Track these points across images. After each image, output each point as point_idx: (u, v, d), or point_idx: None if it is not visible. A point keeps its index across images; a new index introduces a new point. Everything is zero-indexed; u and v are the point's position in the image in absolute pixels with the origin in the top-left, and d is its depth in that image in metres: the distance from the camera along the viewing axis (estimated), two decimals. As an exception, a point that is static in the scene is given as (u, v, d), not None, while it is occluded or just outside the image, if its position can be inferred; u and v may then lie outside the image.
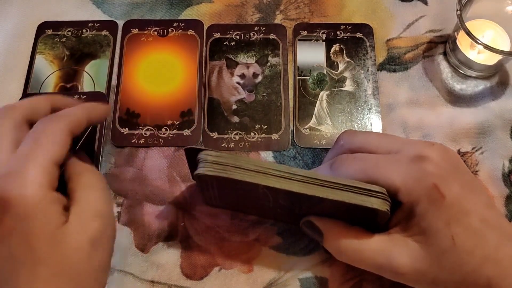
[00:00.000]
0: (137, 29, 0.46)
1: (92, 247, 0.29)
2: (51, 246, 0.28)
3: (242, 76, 0.44)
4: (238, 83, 0.44)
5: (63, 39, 0.46)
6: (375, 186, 0.30)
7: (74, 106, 0.34)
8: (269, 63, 0.45)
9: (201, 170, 0.30)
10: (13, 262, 0.27)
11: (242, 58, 0.45)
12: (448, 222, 0.29)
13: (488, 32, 0.43)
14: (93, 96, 0.43)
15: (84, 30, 0.46)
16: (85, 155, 0.35)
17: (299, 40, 0.46)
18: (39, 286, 0.27)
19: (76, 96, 0.43)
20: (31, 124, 0.32)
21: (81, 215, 0.30)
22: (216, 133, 0.42)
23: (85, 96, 0.43)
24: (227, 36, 0.46)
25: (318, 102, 0.43)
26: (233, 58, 0.45)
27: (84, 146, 0.41)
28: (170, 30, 0.46)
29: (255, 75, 0.44)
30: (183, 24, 0.46)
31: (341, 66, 0.45)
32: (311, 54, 0.45)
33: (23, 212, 0.28)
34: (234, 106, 0.43)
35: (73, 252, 0.28)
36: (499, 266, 0.28)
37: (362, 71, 0.44)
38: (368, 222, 0.32)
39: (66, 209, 0.30)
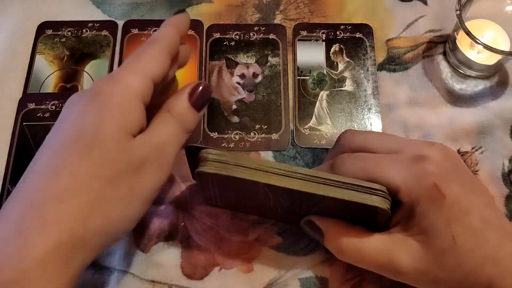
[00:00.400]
0: (137, 29, 0.46)
1: (137, 167, 0.29)
2: (115, 141, 0.29)
3: (242, 76, 0.44)
4: (238, 83, 0.44)
5: (63, 39, 0.46)
6: (375, 184, 0.30)
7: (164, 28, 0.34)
8: (269, 63, 0.45)
9: (201, 168, 0.30)
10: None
11: (242, 58, 0.45)
12: (449, 222, 0.29)
13: (488, 32, 0.43)
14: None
15: (84, 30, 0.46)
16: (199, 96, 0.34)
17: (299, 40, 0.46)
18: (80, 160, 0.28)
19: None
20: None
21: (145, 138, 0.30)
22: (216, 133, 0.42)
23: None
24: (227, 36, 0.46)
25: (318, 102, 0.43)
26: (233, 58, 0.45)
27: None
28: (170, 30, 0.46)
29: (255, 75, 0.44)
30: (183, 24, 0.46)
31: (341, 66, 0.45)
32: (311, 54, 0.45)
33: (109, 104, 0.29)
34: (234, 106, 0.43)
35: (121, 158, 0.29)
36: (500, 265, 0.29)
37: (362, 71, 0.44)
38: (369, 221, 0.32)
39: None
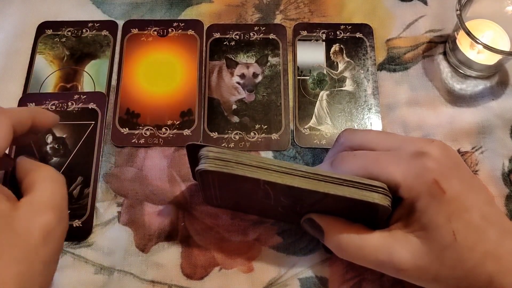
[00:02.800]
0: (137, 29, 0.46)
1: (42, 238, 0.28)
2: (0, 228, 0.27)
3: (242, 76, 0.44)
4: (238, 83, 0.44)
5: (63, 39, 0.46)
6: (376, 182, 0.30)
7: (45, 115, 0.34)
8: (269, 63, 0.45)
9: (202, 166, 0.30)
10: None
11: (242, 58, 0.45)
12: (449, 218, 0.29)
13: (488, 32, 0.43)
14: (93, 97, 0.43)
15: (84, 30, 0.46)
16: (26, 157, 0.35)
17: (299, 40, 0.46)
18: None
19: (76, 96, 0.43)
20: None
21: (33, 204, 0.29)
22: (216, 133, 0.42)
23: (85, 96, 0.43)
24: (227, 36, 0.46)
25: (318, 102, 0.43)
26: (233, 58, 0.45)
27: (83, 146, 0.41)
28: (170, 30, 0.46)
29: (255, 75, 0.44)
30: (183, 24, 0.46)
31: (341, 66, 0.45)
32: (311, 54, 0.45)
33: None
34: (234, 106, 0.43)
35: (20, 238, 0.28)
36: (500, 262, 0.29)
37: (362, 71, 0.44)
38: (369, 219, 0.32)
39: (14, 200, 0.30)
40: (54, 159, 0.40)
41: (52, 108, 0.42)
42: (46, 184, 0.31)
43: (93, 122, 0.42)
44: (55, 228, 0.30)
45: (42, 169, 0.32)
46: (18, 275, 0.27)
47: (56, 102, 0.43)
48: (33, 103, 0.43)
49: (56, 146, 0.41)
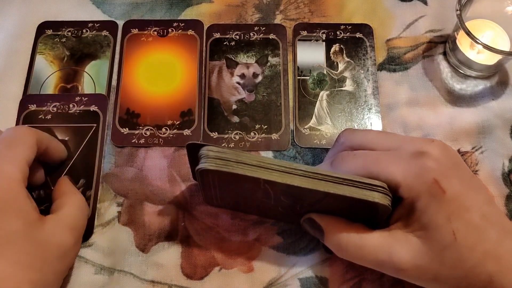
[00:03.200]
0: (137, 29, 0.46)
1: (58, 254, 0.32)
2: (25, 233, 0.30)
3: (242, 76, 0.44)
4: (238, 83, 0.44)
5: (63, 39, 0.46)
6: (376, 181, 0.30)
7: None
8: (269, 63, 0.45)
9: (202, 165, 0.30)
10: None
11: (242, 58, 0.45)
12: (449, 218, 0.29)
13: (488, 32, 0.43)
14: (95, 99, 0.43)
15: (84, 30, 0.46)
16: (69, 179, 0.39)
17: (299, 40, 0.46)
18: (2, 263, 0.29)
19: (78, 98, 0.43)
20: None
21: (58, 223, 0.33)
22: (216, 133, 0.42)
23: (86, 98, 0.43)
24: (227, 36, 0.46)
25: (318, 102, 0.43)
26: (233, 58, 0.45)
27: (85, 149, 0.41)
28: (170, 30, 0.46)
29: (255, 75, 0.44)
30: (183, 24, 0.46)
31: (341, 66, 0.45)
32: (311, 54, 0.45)
33: (2, 204, 0.30)
34: (234, 106, 0.43)
35: (41, 249, 0.30)
36: (500, 262, 0.29)
37: (362, 71, 0.44)
38: (369, 218, 0.32)
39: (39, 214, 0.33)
40: None
41: (53, 110, 0.42)
42: (73, 210, 0.35)
43: (95, 125, 0.42)
44: (71, 248, 0.33)
45: (75, 196, 0.36)
46: (32, 282, 0.29)
47: (57, 104, 0.43)
48: (34, 105, 0.43)
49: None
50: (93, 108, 0.43)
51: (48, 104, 0.43)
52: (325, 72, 0.44)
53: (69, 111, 0.42)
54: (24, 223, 0.30)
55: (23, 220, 0.30)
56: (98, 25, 0.46)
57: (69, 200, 0.35)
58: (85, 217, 0.36)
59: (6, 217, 0.30)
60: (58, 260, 0.32)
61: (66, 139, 0.41)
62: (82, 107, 0.43)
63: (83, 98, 0.43)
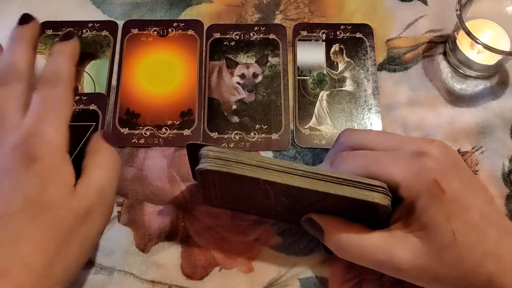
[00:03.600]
0: (137, 29, 0.46)
1: (85, 217, 0.31)
2: (61, 200, 0.30)
3: (242, 76, 0.44)
4: (238, 83, 0.44)
5: (63, 39, 0.46)
6: (376, 181, 0.30)
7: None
8: (269, 63, 0.45)
9: (202, 165, 0.30)
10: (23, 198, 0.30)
11: (242, 58, 0.45)
12: (449, 217, 0.29)
13: (488, 32, 0.43)
14: (94, 98, 0.43)
15: (84, 31, 0.46)
16: (110, 133, 0.37)
17: (299, 40, 0.46)
18: (33, 226, 0.29)
19: (77, 97, 0.43)
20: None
21: (85, 188, 0.32)
22: (216, 133, 0.42)
23: (86, 98, 0.43)
24: (227, 36, 0.46)
25: (318, 102, 0.43)
26: (233, 58, 0.45)
27: (84, 148, 0.41)
28: (170, 30, 0.46)
29: (255, 75, 0.44)
30: (183, 24, 0.46)
31: (341, 66, 0.45)
32: (311, 54, 0.45)
33: (45, 169, 0.30)
34: (234, 106, 0.43)
35: (69, 214, 0.30)
36: (500, 262, 0.29)
37: (362, 71, 0.44)
38: (369, 219, 0.32)
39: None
40: None
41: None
42: (97, 170, 0.33)
43: (94, 124, 0.42)
44: (95, 211, 0.32)
45: (99, 154, 0.34)
46: (56, 246, 0.29)
47: None
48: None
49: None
50: (92, 107, 0.43)
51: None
52: (325, 72, 0.44)
53: None
54: (63, 192, 0.30)
55: (63, 188, 0.31)
56: (98, 25, 0.46)
57: (92, 160, 0.34)
58: (111, 175, 0.34)
59: (48, 186, 0.30)
60: (80, 226, 0.31)
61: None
62: (81, 106, 0.43)
63: (82, 97, 0.43)
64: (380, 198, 0.30)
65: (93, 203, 0.32)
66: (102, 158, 0.34)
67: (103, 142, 0.35)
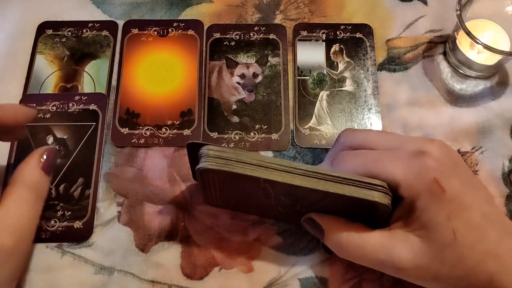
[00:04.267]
0: (137, 29, 0.46)
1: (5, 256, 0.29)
2: None
3: (242, 76, 0.44)
4: (238, 83, 0.44)
5: (63, 39, 0.46)
6: (376, 180, 0.30)
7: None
8: (269, 63, 0.45)
9: (203, 164, 0.30)
10: None
11: (242, 58, 0.45)
12: (449, 217, 0.29)
13: (488, 32, 0.43)
14: (94, 98, 0.43)
15: (84, 30, 0.46)
16: (51, 161, 0.35)
17: (299, 40, 0.46)
18: None
19: (77, 97, 0.43)
20: None
21: (6, 226, 0.30)
22: (216, 133, 0.42)
23: (86, 97, 0.43)
24: (227, 36, 0.46)
25: (318, 102, 0.43)
26: (233, 58, 0.45)
27: (84, 147, 0.41)
28: (170, 30, 0.46)
29: (255, 75, 0.44)
30: (183, 24, 0.46)
31: (341, 66, 0.45)
32: (311, 54, 0.45)
33: None
34: (234, 106, 0.43)
35: None
36: (501, 261, 0.29)
37: (362, 71, 0.44)
38: (369, 218, 0.32)
39: None
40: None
41: (53, 109, 0.42)
42: (14, 204, 0.31)
43: (94, 123, 0.42)
44: (13, 252, 0.30)
45: (17, 186, 0.32)
46: None
47: (57, 103, 0.43)
48: (34, 104, 0.43)
49: (56, 147, 0.41)
50: (92, 107, 0.43)
51: (48, 103, 0.43)
52: (325, 72, 0.44)
53: (68, 110, 0.42)
54: None
55: None
56: (98, 25, 0.46)
57: (11, 192, 0.32)
58: (31, 208, 0.32)
59: None
60: None
61: (65, 137, 0.41)
62: (81, 106, 0.43)
63: (82, 97, 0.43)
64: (380, 197, 0.30)
65: (5, 243, 0.29)
66: (18, 191, 0.32)
67: (26, 172, 0.33)
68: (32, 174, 0.33)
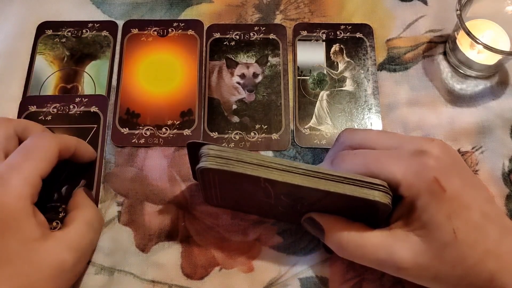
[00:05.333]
0: (137, 29, 0.46)
1: (53, 274, 0.31)
2: (21, 253, 0.30)
3: (242, 76, 0.44)
4: (238, 83, 0.44)
5: (63, 40, 0.46)
6: (376, 180, 0.30)
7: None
8: (269, 63, 0.45)
9: (203, 163, 0.30)
10: None
11: (242, 58, 0.45)
12: (449, 216, 0.29)
13: (488, 32, 0.43)
14: (95, 100, 0.43)
15: (84, 31, 0.46)
16: (90, 192, 0.39)
17: (299, 40, 0.46)
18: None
19: (78, 99, 0.43)
20: (21, 140, 0.35)
21: (60, 241, 0.32)
22: (216, 133, 0.42)
23: (87, 99, 0.43)
24: (227, 36, 0.46)
25: (318, 102, 0.43)
26: (233, 58, 0.45)
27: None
28: (170, 30, 0.46)
29: (255, 75, 0.44)
30: (183, 24, 0.46)
31: (341, 66, 0.45)
32: (311, 54, 0.45)
33: (2, 218, 0.30)
34: (234, 106, 0.43)
35: (34, 269, 0.30)
36: (501, 260, 0.29)
37: (362, 71, 0.44)
38: (370, 217, 0.32)
39: (46, 228, 0.33)
40: None
41: (53, 111, 0.42)
42: (80, 226, 0.34)
43: (95, 126, 0.42)
44: (70, 269, 0.32)
45: (85, 210, 0.35)
46: None
47: (58, 105, 0.43)
48: (34, 106, 0.43)
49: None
50: (93, 109, 0.43)
51: (48, 105, 0.43)
52: (325, 72, 0.44)
53: (69, 112, 0.42)
54: (22, 243, 0.30)
55: (21, 240, 0.30)
56: (98, 25, 0.46)
57: (78, 215, 0.35)
58: (94, 235, 0.36)
59: (4, 237, 0.30)
60: (53, 281, 0.31)
61: (66, 139, 0.41)
62: (82, 108, 0.43)
63: (83, 99, 0.43)
64: (380, 196, 0.30)
65: (65, 260, 0.31)
66: (85, 214, 0.35)
67: (86, 198, 0.36)
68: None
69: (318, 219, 0.33)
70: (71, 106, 0.43)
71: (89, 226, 0.35)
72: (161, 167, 0.41)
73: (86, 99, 0.43)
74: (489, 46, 0.39)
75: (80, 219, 0.34)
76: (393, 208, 0.31)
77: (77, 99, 0.43)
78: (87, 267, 0.37)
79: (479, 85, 0.44)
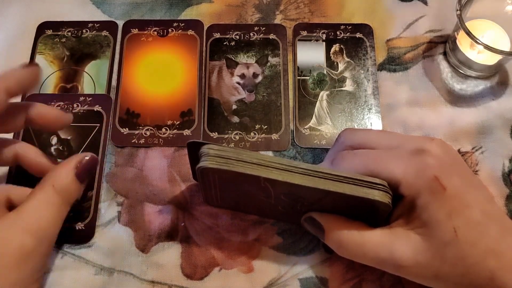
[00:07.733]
0: (137, 29, 0.46)
1: (15, 259, 0.29)
2: None
3: (242, 76, 0.44)
4: (238, 83, 0.44)
5: (63, 40, 0.46)
6: (376, 179, 0.30)
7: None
8: (269, 63, 0.45)
9: (203, 163, 0.30)
10: None
11: (242, 58, 0.45)
12: (450, 214, 0.29)
13: (488, 32, 0.43)
14: (99, 99, 0.43)
15: (84, 31, 0.46)
16: (86, 169, 0.34)
17: (299, 40, 0.46)
18: None
19: (82, 98, 0.43)
20: None
21: (15, 224, 0.30)
22: (216, 133, 0.42)
23: (90, 98, 0.43)
24: (227, 36, 0.46)
25: (318, 102, 0.43)
26: (233, 58, 0.45)
27: (88, 148, 0.41)
28: (170, 30, 0.46)
29: (255, 75, 0.44)
30: (183, 24, 0.46)
31: (341, 66, 0.45)
32: (311, 54, 0.45)
33: None
34: (234, 106, 0.43)
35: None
36: (502, 259, 0.29)
37: (362, 71, 0.44)
38: (370, 217, 0.32)
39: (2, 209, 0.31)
40: (59, 160, 0.40)
41: (57, 110, 0.42)
42: (38, 205, 0.31)
43: (98, 125, 0.42)
44: (33, 252, 0.30)
45: (45, 188, 0.31)
46: None
47: (61, 103, 0.43)
48: None
49: (60, 147, 0.41)
50: (96, 108, 0.43)
51: (52, 103, 0.43)
52: (325, 72, 0.44)
53: (73, 111, 0.42)
54: None
55: None
56: (98, 25, 0.46)
57: (38, 194, 0.31)
58: (56, 213, 0.31)
59: None
60: (15, 266, 0.29)
61: (69, 138, 0.41)
62: (86, 107, 0.43)
63: (87, 98, 0.43)
64: (380, 196, 0.30)
65: (25, 244, 0.29)
66: (45, 194, 0.31)
67: (56, 177, 0.32)
68: (63, 177, 0.32)
69: (318, 218, 0.33)
70: (75, 105, 0.43)
71: (50, 206, 0.31)
72: (161, 167, 0.41)
73: (90, 98, 0.43)
74: (489, 46, 0.39)
75: (38, 198, 0.31)
76: (393, 207, 0.31)
77: (81, 98, 0.43)
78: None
79: (479, 85, 0.44)
